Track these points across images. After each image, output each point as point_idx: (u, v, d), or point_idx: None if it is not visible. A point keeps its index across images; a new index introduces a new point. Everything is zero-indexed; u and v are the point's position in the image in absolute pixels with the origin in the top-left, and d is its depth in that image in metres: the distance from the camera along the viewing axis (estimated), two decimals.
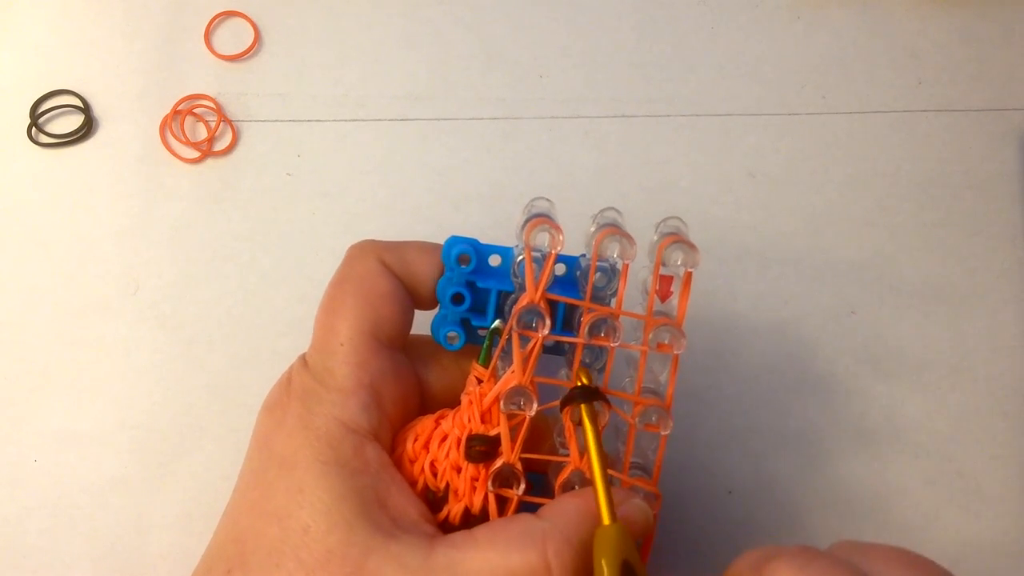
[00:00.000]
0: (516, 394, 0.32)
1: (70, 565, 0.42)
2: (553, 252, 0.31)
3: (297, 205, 0.46)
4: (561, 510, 0.31)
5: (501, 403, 0.32)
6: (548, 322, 0.31)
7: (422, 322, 0.36)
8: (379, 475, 0.31)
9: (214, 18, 0.47)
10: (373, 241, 0.35)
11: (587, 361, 0.33)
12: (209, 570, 0.32)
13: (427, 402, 0.36)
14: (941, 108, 0.50)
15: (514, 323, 0.31)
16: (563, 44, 0.49)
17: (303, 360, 0.34)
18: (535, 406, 0.32)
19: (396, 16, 0.48)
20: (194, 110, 0.46)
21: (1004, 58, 0.50)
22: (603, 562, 0.28)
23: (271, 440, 0.33)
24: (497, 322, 0.34)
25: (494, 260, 0.35)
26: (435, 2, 0.49)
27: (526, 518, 0.31)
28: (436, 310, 0.35)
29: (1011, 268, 0.48)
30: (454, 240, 0.34)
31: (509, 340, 0.32)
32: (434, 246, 0.35)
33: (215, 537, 0.33)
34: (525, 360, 0.32)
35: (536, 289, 0.32)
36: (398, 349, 0.35)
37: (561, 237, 0.31)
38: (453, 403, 0.36)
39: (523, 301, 0.32)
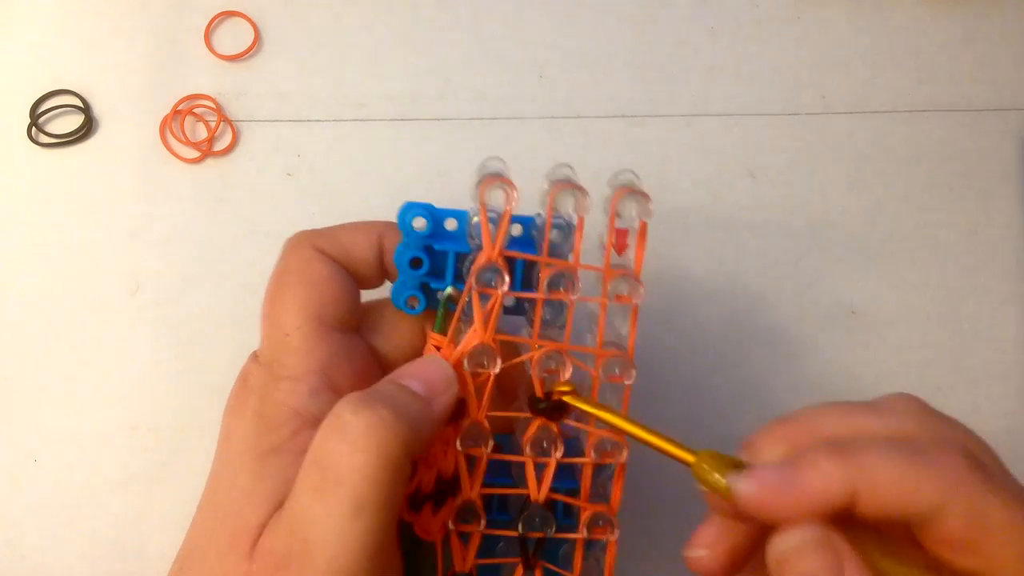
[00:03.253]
0: (479, 353, 0.32)
1: (70, 565, 0.42)
2: (508, 208, 0.32)
3: (297, 205, 0.46)
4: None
5: (465, 362, 0.32)
6: (507, 279, 0.32)
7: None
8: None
9: (214, 18, 0.47)
10: (306, 231, 0.35)
11: (547, 318, 0.33)
12: (170, 571, 0.32)
13: (388, 372, 0.36)
14: (941, 108, 0.50)
15: (473, 281, 0.31)
16: (563, 44, 0.49)
17: (254, 356, 0.34)
18: (499, 363, 0.32)
19: (396, 16, 0.48)
20: (194, 110, 0.46)
21: (1004, 58, 0.50)
22: (712, 477, 0.28)
23: (230, 439, 0.33)
24: (449, 289, 0.34)
25: (450, 224, 0.35)
26: (435, 2, 0.49)
27: None
28: (386, 286, 0.35)
29: (1011, 268, 0.48)
30: (409, 206, 0.34)
31: (468, 303, 0.32)
32: (368, 224, 0.35)
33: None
34: (486, 318, 0.32)
35: (493, 246, 0.32)
36: (350, 331, 0.35)
37: (516, 194, 0.31)
38: None
39: (481, 259, 0.32)
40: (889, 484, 0.26)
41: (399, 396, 0.30)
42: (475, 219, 0.32)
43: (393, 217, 0.36)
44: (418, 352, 0.36)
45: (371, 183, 0.47)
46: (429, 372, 0.32)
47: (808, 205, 0.48)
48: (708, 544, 0.30)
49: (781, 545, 0.27)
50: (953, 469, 0.27)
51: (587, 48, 0.49)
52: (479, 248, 0.32)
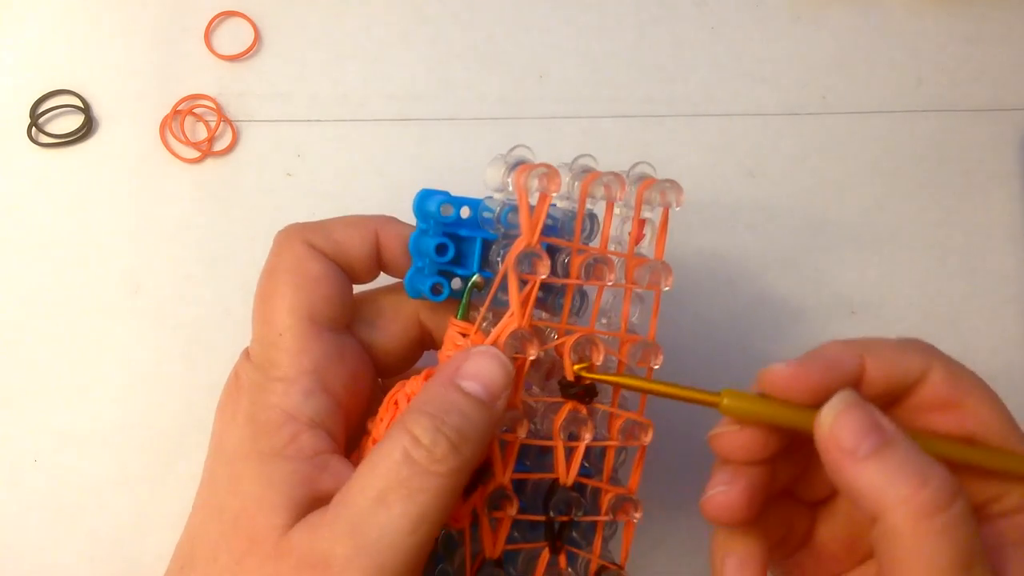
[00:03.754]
0: (516, 337, 0.32)
1: (70, 565, 0.42)
2: (549, 195, 0.32)
3: (297, 205, 0.46)
4: (413, 401, 0.31)
5: (503, 347, 0.32)
6: (548, 264, 0.32)
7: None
8: (312, 461, 0.31)
9: (214, 18, 0.47)
10: (298, 224, 0.35)
11: (559, 305, 0.34)
12: (168, 570, 0.32)
13: (382, 366, 0.36)
14: (941, 108, 0.50)
15: (513, 266, 0.31)
16: (563, 44, 0.49)
17: (246, 354, 0.34)
18: (537, 348, 0.32)
19: (396, 16, 0.48)
20: (194, 110, 0.46)
21: (1004, 58, 0.50)
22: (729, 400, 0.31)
23: (224, 440, 0.33)
24: (476, 276, 0.34)
25: (464, 212, 0.35)
26: (435, 2, 0.49)
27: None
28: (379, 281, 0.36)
29: (1011, 268, 0.48)
30: (429, 192, 0.34)
31: (499, 289, 0.32)
32: (362, 218, 0.35)
33: (179, 539, 0.33)
34: (523, 303, 0.32)
35: (532, 232, 0.32)
36: (341, 329, 0.35)
37: (559, 180, 0.32)
38: (409, 357, 0.36)
39: (520, 245, 0.32)
40: (887, 355, 0.32)
41: (466, 409, 0.30)
42: (503, 207, 0.33)
43: (393, 215, 0.36)
44: (413, 342, 0.36)
45: (371, 183, 0.47)
46: (490, 372, 0.31)
47: (808, 204, 0.48)
48: (726, 482, 0.31)
49: (826, 413, 0.30)
50: (926, 346, 0.33)
51: (587, 48, 0.49)
52: (506, 235, 0.33)
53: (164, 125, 0.46)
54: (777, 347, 0.47)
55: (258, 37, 0.48)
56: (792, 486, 0.34)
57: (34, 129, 0.46)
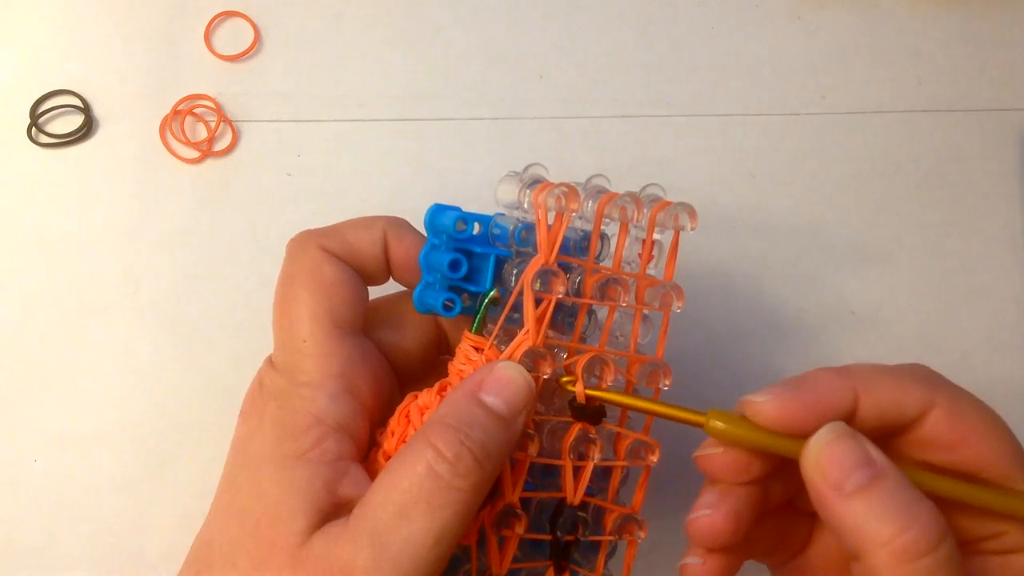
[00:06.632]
0: (531, 355, 0.32)
1: (70, 565, 0.42)
2: (568, 215, 0.32)
3: (297, 205, 0.46)
4: (435, 413, 0.31)
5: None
6: (565, 281, 0.32)
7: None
8: (334, 465, 0.31)
9: (214, 18, 0.47)
10: (310, 230, 0.35)
11: (566, 323, 0.33)
12: (184, 572, 0.32)
13: (400, 369, 0.36)
14: (941, 108, 0.50)
15: (530, 284, 0.31)
16: (563, 44, 0.49)
17: (270, 362, 0.34)
18: (550, 365, 0.32)
19: (396, 16, 0.48)
20: (194, 110, 0.46)
21: (1004, 58, 0.50)
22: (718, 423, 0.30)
23: (248, 444, 0.33)
24: (494, 291, 0.34)
25: (476, 228, 0.35)
26: (435, 2, 0.49)
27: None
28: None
29: (1011, 268, 0.48)
30: (441, 207, 0.34)
31: (513, 305, 0.32)
32: (370, 220, 0.35)
33: (194, 540, 0.33)
34: (539, 321, 0.32)
35: (551, 250, 0.32)
36: (359, 332, 0.35)
37: (578, 199, 0.32)
38: (426, 360, 0.36)
39: (538, 263, 0.32)
40: (883, 387, 0.30)
41: (488, 425, 0.30)
42: (511, 225, 0.33)
43: (394, 215, 0.36)
44: (432, 343, 0.36)
45: (371, 183, 0.47)
46: (513, 389, 0.31)
47: (808, 205, 0.48)
48: (710, 505, 0.31)
49: (813, 445, 0.29)
50: (930, 377, 0.31)
51: (587, 48, 0.49)
52: (519, 253, 0.32)
53: (164, 125, 0.46)
54: (776, 347, 0.47)
55: (258, 37, 0.48)
56: (792, 496, 0.34)
57: (34, 129, 0.46)
